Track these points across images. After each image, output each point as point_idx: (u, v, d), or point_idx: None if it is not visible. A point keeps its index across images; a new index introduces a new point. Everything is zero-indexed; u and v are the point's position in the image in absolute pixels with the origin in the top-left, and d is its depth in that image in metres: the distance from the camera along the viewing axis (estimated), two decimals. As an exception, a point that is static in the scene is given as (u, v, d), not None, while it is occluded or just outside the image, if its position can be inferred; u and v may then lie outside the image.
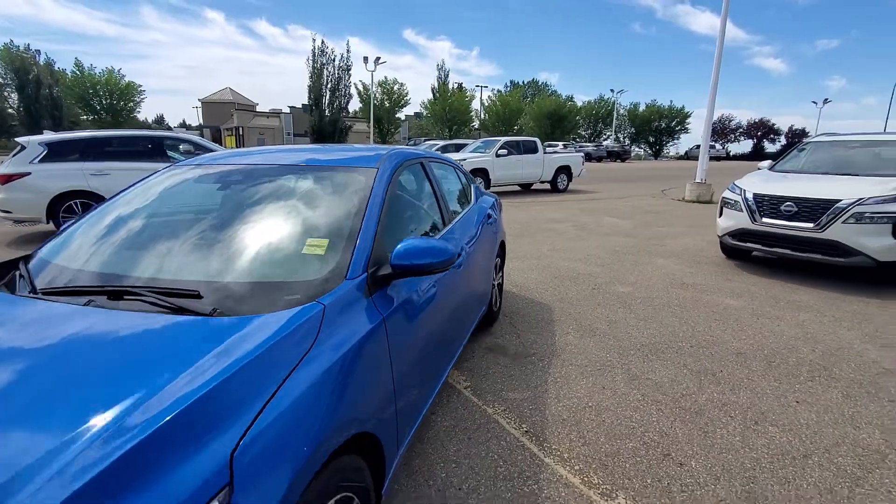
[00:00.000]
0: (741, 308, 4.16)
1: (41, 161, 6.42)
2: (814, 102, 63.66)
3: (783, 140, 62.87)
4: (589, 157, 28.20)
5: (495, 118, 51.41)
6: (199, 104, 55.58)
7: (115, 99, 46.56)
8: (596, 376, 2.92)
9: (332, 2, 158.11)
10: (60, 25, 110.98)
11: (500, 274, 3.95)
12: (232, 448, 0.93)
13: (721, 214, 5.69)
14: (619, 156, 42.03)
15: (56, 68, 42.49)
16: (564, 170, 14.47)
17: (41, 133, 7.90)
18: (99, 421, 0.89)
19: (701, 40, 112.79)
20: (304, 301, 1.36)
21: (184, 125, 70.30)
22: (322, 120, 38.38)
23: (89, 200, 6.58)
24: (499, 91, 56.86)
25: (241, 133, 47.45)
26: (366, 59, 34.43)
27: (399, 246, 1.63)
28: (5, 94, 41.71)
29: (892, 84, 64.60)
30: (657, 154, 64.26)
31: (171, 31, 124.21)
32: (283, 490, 0.97)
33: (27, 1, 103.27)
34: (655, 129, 63.88)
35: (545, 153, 14.14)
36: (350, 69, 39.16)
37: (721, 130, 64.34)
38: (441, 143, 19.08)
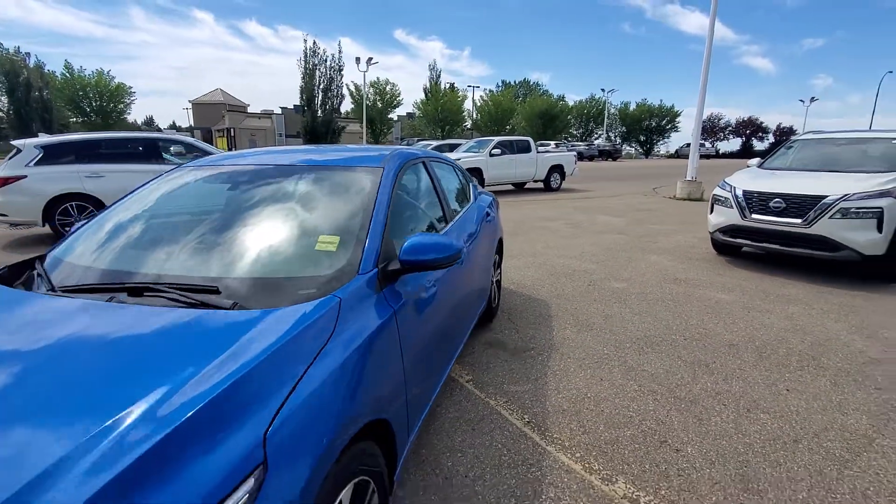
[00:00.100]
0: (732, 302, 4.27)
1: (37, 164, 6.40)
2: (801, 101, 64.71)
3: (771, 138, 63.77)
4: (581, 157, 28.35)
5: (487, 118, 51.48)
6: (190, 105, 55.07)
7: (104, 101, 46.10)
8: (594, 369, 3.00)
9: (321, 2, 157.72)
10: (49, 27, 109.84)
11: (499, 271, 4.02)
12: (265, 429, 0.98)
13: (712, 211, 5.82)
14: (611, 154, 42.29)
15: (46, 71, 41.98)
16: (557, 169, 14.61)
17: (32, 136, 7.85)
18: (143, 405, 0.95)
19: (690, 40, 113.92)
20: (320, 295, 1.41)
21: (174, 127, 69.55)
22: (315, 121, 38.23)
23: (85, 203, 6.58)
24: (490, 91, 57.04)
25: (232, 134, 46.95)
26: (358, 59, 34.39)
27: (407, 242, 1.70)
28: (-5, 97, 41.12)
29: (877, 82, 65.70)
30: (648, 153, 64.70)
31: (159, 32, 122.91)
32: (309, 471, 1.03)
33: (17, 3, 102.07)
34: (646, 128, 64.30)
35: (538, 153, 14.26)
36: (342, 69, 39.17)
37: (710, 129, 65.05)
38: (434, 143, 19.09)
